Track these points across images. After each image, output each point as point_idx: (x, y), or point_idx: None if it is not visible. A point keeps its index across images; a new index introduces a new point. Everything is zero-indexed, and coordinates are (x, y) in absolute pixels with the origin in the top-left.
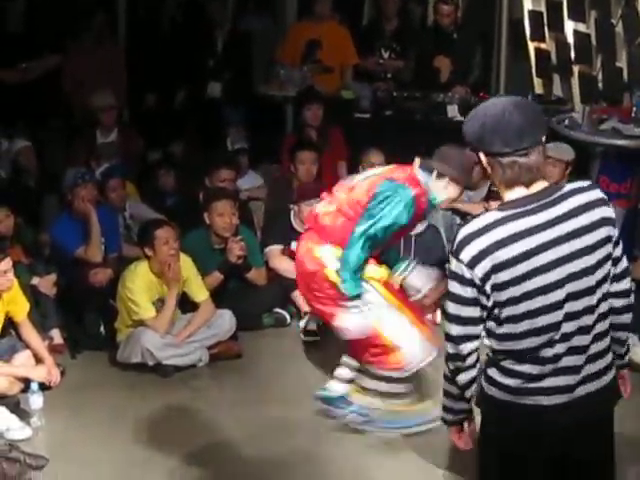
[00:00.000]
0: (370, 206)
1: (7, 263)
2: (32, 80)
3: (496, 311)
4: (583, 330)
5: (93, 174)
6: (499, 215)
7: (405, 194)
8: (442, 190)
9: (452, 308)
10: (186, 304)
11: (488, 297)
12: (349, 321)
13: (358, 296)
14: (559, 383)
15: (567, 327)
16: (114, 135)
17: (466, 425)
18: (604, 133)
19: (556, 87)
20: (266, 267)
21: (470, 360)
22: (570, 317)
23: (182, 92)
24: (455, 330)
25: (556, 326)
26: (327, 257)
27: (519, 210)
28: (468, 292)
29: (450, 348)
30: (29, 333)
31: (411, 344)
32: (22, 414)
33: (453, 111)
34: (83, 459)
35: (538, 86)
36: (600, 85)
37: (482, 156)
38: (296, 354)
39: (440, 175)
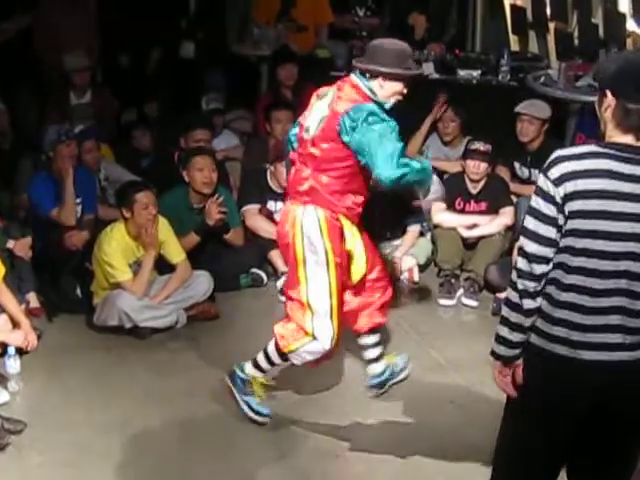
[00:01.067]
0: (360, 139)
1: None
2: (2, 40)
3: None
4: (634, 294)
5: (74, 132)
6: (596, 149)
7: (371, 109)
8: (380, 90)
9: (531, 224)
10: (163, 266)
11: (565, 220)
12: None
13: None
14: (607, 340)
15: (620, 284)
16: (88, 96)
17: (517, 369)
18: (580, 90)
19: (532, 44)
20: (243, 227)
21: (541, 284)
22: (624, 276)
23: (156, 52)
24: (531, 248)
25: (607, 275)
26: (307, 226)
27: (616, 152)
28: (549, 209)
29: (523, 266)
30: (5, 297)
31: (322, 322)
32: None
33: (429, 68)
34: (61, 422)
35: (514, 43)
36: (576, 42)
37: (609, 95)
38: (273, 314)
39: (372, 76)
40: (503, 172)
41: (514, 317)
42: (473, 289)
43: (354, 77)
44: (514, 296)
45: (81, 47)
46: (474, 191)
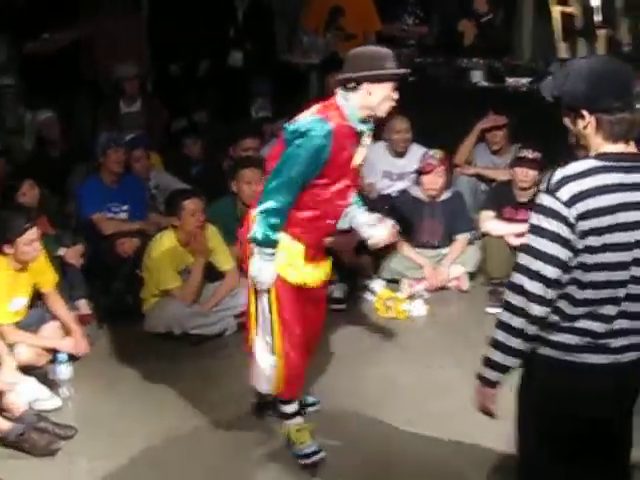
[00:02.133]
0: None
1: (34, 232)
2: (57, 50)
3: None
4: (637, 298)
5: (124, 139)
6: (595, 164)
7: (319, 127)
8: (370, 98)
9: (541, 244)
10: (213, 273)
11: (578, 239)
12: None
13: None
14: (617, 344)
15: (633, 289)
16: (138, 105)
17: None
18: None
19: (581, 51)
20: None
21: (550, 309)
22: (634, 281)
23: (205, 61)
24: (547, 271)
25: (621, 285)
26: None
27: (615, 164)
28: (561, 229)
29: (537, 289)
30: (57, 304)
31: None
32: (51, 384)
33: (477, 77)
34: (111, 429)
35: (562, 50)
36: (626, 49)
37: (586, 114)
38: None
39: (358, 85)
40: None
41: (510, 339)
42: None
43: (339, 92)
44: (519, 322)
45: (131, 56)
46: (523, 199)
